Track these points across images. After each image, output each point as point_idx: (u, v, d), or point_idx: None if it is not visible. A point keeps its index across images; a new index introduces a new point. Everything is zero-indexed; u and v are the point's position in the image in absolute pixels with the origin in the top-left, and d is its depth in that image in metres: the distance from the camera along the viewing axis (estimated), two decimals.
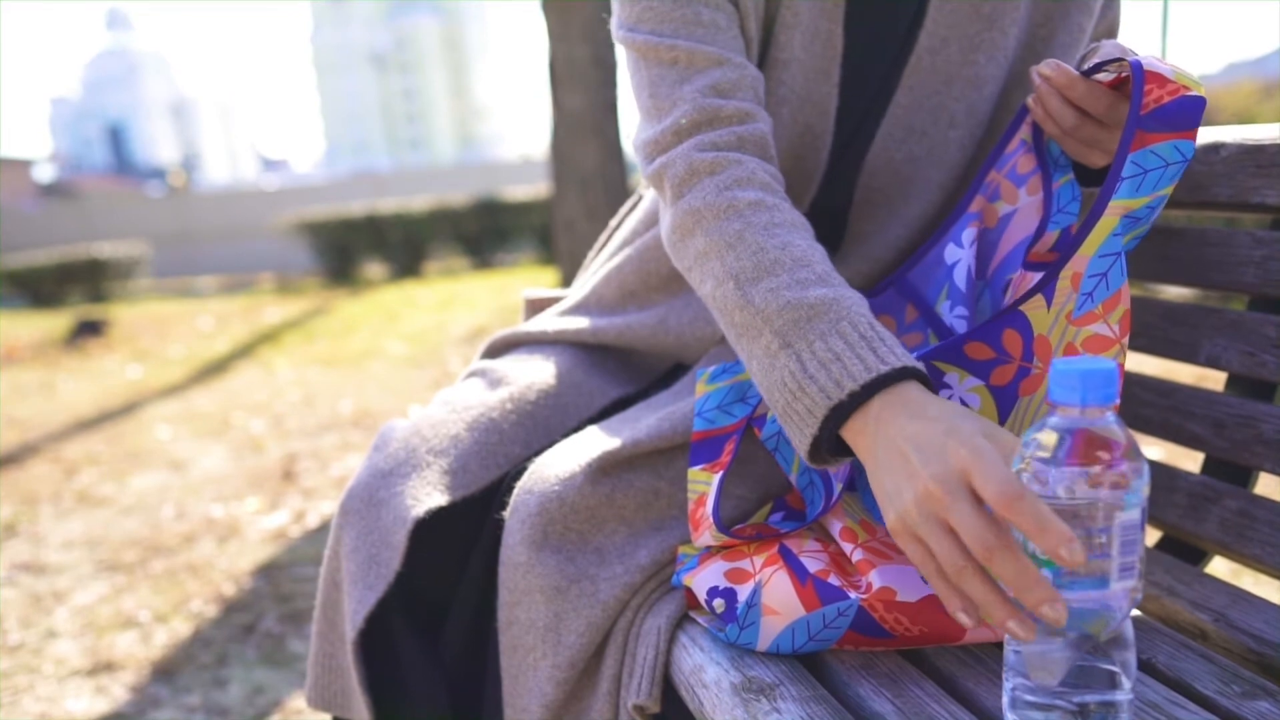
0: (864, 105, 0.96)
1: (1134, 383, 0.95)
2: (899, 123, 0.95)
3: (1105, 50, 0.80)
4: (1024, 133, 0.87)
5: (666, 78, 0.88)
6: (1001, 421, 0.75)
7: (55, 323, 8.60)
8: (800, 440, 0.72)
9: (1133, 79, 0.73)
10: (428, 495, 0.91)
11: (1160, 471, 0.91)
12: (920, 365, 0.70)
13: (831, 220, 1.01)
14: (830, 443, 0.71)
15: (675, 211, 0.86)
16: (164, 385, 5.29)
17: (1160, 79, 0.73)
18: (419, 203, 12.06)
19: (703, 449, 0.87)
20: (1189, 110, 0.72)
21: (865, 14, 0.93)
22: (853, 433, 0.69)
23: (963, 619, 0.60)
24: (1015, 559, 0.55)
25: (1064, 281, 0.73)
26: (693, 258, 0.84)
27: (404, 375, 4.90)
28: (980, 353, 0.75)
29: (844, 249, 1.01)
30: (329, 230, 11.80)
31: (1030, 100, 0.85)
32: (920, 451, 0.61)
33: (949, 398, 0.74)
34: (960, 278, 0.86)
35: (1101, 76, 0.79)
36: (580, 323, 1.09)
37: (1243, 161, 0.82)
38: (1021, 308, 0.74)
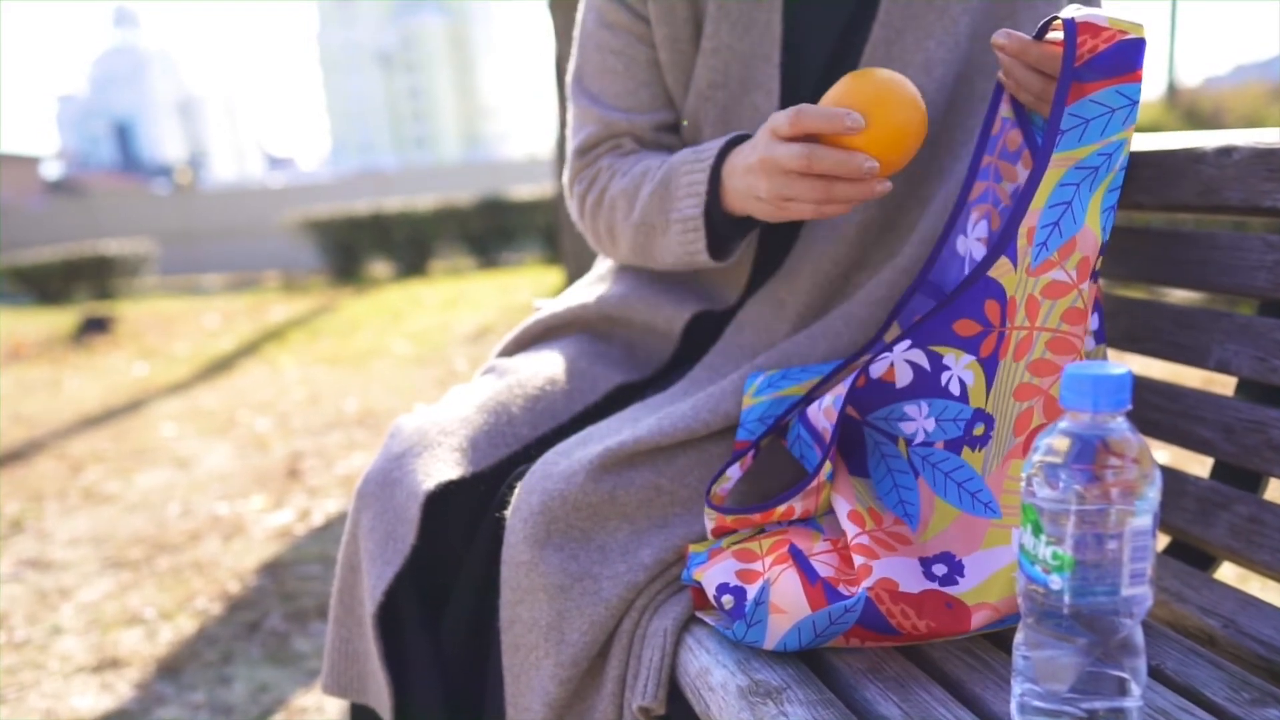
0: (811, 88, 1.02)
1: (1143, 387, 0.95)
2: None
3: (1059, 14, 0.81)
4: (1005, 110, 0.87)
5: (570, 128, 1.12)
6: (988, 390, 0.77)
7: (61, 320, 8.62)
8: (703, 256, 0.98)
9: (1065, 34, 0.75)
10: (439, 470, 0.93)
11: (1169, 476, 0.91)
12: (732, 135, 0.95)
13: None
14: (723, 234, 0.97)
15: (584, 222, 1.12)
16: (170, 383, 5.30)
17: (1094, 28, 0.74)
18: (424, 201, 12.07)
19: (739, 454, 0.89)
20: (1127, 53, 0.74)
21: (804, 4, 1.01)
22: (730, 207, 0.94)
23: (839, 209, 0.85)
24: (829, 155, 0.80)
25: (1021, 239, 0.75)
26: (609, 243, 1.10)
27: (409, 374, 4.91)
28: (969, 329, 0.76)
29: (807, 225, 1.04)
30: (334, 229, 11.81)
31: (1000, 74, 0.86)
32: (754, 154, 0.86)
33: (948, 380, 0.77)
34: (968, 267, 0.87)
35: (1053, 37, 0.80)
36: (585, 299, 1.13)
37: (1254, 165, 0.82)
38: (992, 274, 0.75)
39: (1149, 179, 0.92)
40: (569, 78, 1.12)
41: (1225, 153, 0.84)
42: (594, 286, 1.17)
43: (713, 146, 0.95)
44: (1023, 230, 0.75)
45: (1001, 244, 0.75)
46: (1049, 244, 0.75)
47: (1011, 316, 0.76)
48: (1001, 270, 0.75)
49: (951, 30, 0.97)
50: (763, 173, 0.85)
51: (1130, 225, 0.96)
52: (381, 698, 0.95)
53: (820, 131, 0.80)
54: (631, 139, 1.09)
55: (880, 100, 0.81)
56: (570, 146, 1.12)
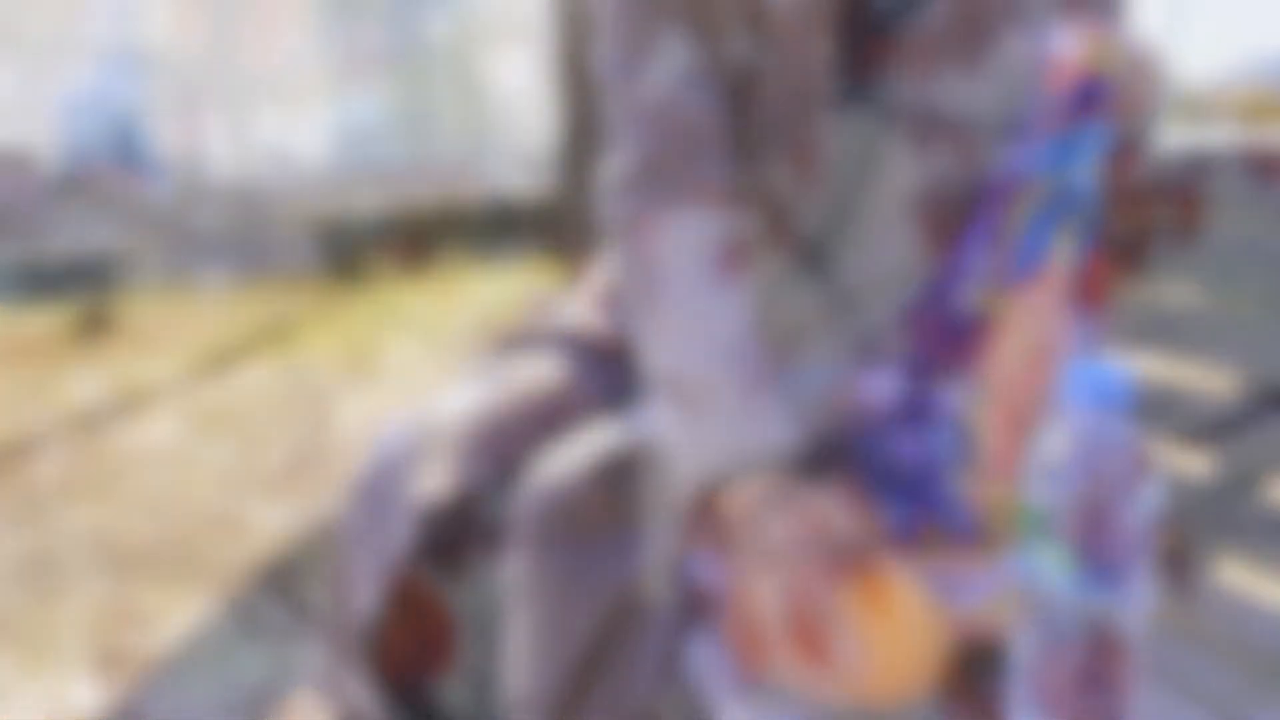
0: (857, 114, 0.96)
1: (1143, 386, 0.95)
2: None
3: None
4: None
5: (623, 110, 0.93)
6: (974, 409, 0.77)
7: (61, 316, 8.63)
8: None
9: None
10: (422, 475, 0.93)
11: (1169, 476, 0.91)
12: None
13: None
14: None
15: (619, 254, 0.94)
16: (170, 380, 5.30)
17: (1061, 71, 0.74)
18: (426, 199, 12.08)
19: None
20: (1094, 90, 0.74)
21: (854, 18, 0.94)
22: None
23: None
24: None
25: (994, 261, 0.76)
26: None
27: (410, 372, 4.91)
28: (952, 353, 0.77)
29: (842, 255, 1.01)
30: (336, 226, 11.83)
31: None
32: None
33: (937, 405, 0.77)
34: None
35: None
36: (578, 320, 1.10)
37: (1255, 165, 0.82)
38: (969, 298, 0.76)
39: (1148, 178, 0.92)
40: (604, 63, 0.95)
41: (1226, 151, 0.85)
42: (585, 314, 1.11)
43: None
44: (995, 253, 0.76)
45: (976, 268, 0.77)
46: (1020, 265, 0.76)
47: (988, 334, 0.77)
48: (976, 293, 0.76)
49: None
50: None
51: (1132, 225, 0.96)
52: (366, 705, 0.95)
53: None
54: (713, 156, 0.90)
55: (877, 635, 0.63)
56: (636, 137, 0.91)
